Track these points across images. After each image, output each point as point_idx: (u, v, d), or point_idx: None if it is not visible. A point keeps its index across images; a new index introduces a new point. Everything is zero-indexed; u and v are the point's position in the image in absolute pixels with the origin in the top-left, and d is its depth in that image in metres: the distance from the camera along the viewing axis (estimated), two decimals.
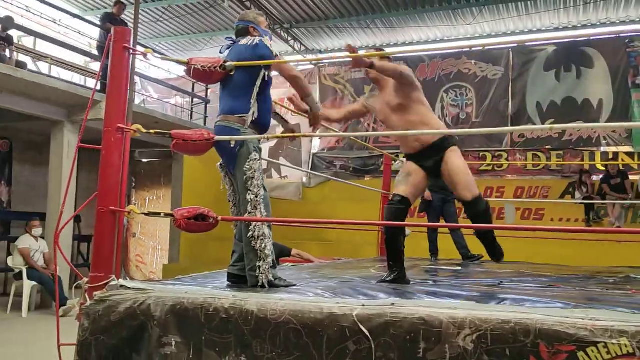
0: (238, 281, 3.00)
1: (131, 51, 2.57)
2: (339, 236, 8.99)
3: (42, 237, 7.65)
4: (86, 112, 2.73)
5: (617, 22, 10.73)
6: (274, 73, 3.11)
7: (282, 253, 6.62)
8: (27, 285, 7.15)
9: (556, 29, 11.21)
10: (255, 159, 2.91)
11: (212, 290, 2.55)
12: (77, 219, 9.57)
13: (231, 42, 3.13)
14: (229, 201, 3.16)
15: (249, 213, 2.86)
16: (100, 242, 2.61)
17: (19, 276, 7.28)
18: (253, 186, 2.88)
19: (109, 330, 2.42)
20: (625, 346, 1.56)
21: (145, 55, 2.80)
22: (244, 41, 3.02)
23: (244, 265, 2.95)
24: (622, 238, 6.21)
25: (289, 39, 12.10)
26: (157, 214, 2.97)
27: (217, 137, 2.88)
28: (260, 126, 3.01)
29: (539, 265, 5.46)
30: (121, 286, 2.56)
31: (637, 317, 1.73)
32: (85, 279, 2.58)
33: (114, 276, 2.60)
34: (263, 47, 2.94)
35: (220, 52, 3.22)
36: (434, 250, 6.43)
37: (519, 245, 6.76)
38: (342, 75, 11.91)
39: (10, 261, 7.55)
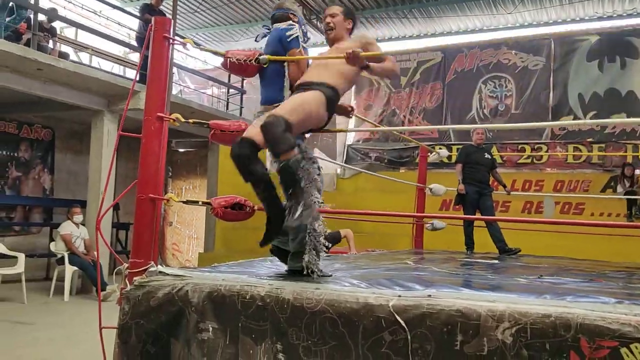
0: (279, 255, 2.99)
1: (171, 41, 2.60)
2: (374, 228, 8.96)
3: (83, 224, 7.88)
4: (127, 102, 2.79)
5: None
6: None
7: (334, 240, 6.64)
8: (69, 270, 7.38)
9: (600, 18, 10.84)
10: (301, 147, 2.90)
11: (249, 278, 2.58)
12: (115, 206, 9.81)
13: (267, 30, 3.13)
14: None
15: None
16: (140, 229, 2.67)
17: (61, 261, 7.52)
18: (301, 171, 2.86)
19: (148, 315, 2.47)
20: None
21: (184, 45, 2.83)
22: (283, 25, 3.01)
23: (286, 239, 2.94)
24: None
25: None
26: (195, 202, 3.03)
27: None
28: None
29: (579, 260, 5.32)
30: (160, 272, 2.62)
31: None
32: (126, 265, 2.65)
33: (152, 262, 2.66)
34: (294, 33, 2.92)
35: (256, 41, 3.23)
36: (469, 243, 6.34)
37: (558, 240, 6.63)
38: None
39: (52, 246, 7.80)
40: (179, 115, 2.68)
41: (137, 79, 6.48)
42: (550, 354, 1.66)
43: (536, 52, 10.32)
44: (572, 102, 9.90)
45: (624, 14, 10.58)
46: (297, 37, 2.92)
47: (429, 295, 2.05)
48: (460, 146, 7.89)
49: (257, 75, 3.06)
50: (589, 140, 9.59)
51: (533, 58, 10.35)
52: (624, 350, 1.57)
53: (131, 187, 2.72)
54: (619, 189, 8.59)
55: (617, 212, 8.57)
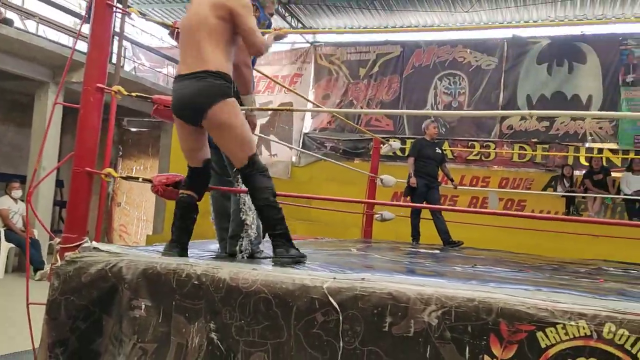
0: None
1: (114, 9, 2.51)
2: (325, 216, 9.03)
3: (22, 200, 7.58)
4: (65, 69, 2.68)
5: (613, 18, 10.72)
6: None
7: None
8: (5, 246, 7.11)
9: (552, 22, 11.19)
10: None
11: (187, 258, 2.55)
12: (59, 184, 9.49)
13: None
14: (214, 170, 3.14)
15: (239, 184, 2.85)
16: (74, 203, 2.59)
17: None
18: None
19: (79, 291, 2.41)
20: (583, 328, 1.58)
21: (128, 14, 2.74)
22: None
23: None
24: (598, 232, 6.31)
25: (287, 15, 11.96)
26: (135, 179, 2.96)
27: None
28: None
29: (516, 253, 5.53)
30: (94, 248, 2.55)
31: (597, 301, 1.75)
32: (57, 239, 2.57)
33: (87, 238, 2.59)
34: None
35: None
36: (415, 234, 6.48)
37: (500, 234, 6.86)
38: (338, 56, 11.83)
39: None
40: (120, 88, 2.61)
41: (84, 50, 6.31)
42: (472, 336, 1.71)
43: (490, 52, 10.58)
44: (521, 103, 10.21)
45: (575, 19, 10.96)
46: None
47: (363, 279, 2.08)
48: (414, 140, 8.02)
49: None
50: (534, 140, 9.95)
51: (486, 58, 10.61)
52: (539, 334, 1.63)
53: (67, 159, 2.63)
54: (559, 188, 8.96)
55: (557, 210, 8.94)
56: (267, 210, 2.55)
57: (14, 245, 7.18)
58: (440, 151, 6.80)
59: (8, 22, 7.21)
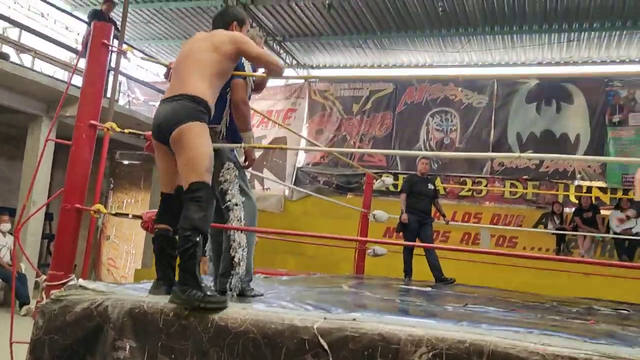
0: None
1: (110, 48, 2.55)
2: (317, 251, 8.97)
3: (11, 233, 7.49)
4: (59, 104, 2.70)
5: (598, 61, 11.00)
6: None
7: None
8: None
9: (539, 64, 11.46)
10: (230, 168, 2.89)
11: None
12: (49, 217, 9.40)
13: None
14: None
15: (230, 222, 2.84)
16: (62, 240, 2.57)
17: None
18: (229, 196, 2.86)
19: (64, 330, 2.37)
20: None
21: (124, 53, 2.78)
22: None
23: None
24: (589, 271, 6.32)
25: (281, 52, 12.16)
26: (125, 215, 2.94)
27: None
28: (235, 133, 2.98)
29: (509, 291, 5.50)
30: (80, 286, 2.51)
31: (587, 345, 1.74)
32: (44, 277, 2.53)
33: (73, 276, 2.55)
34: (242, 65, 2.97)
35: None
36: (408, 270, 6.44)
37: (492, 271, 6.83)
38: (332, 92, 11.99)
39: None
40: (113, 124, 2.62)
41: (79, 85, 6.35)
42: None
43: (480, 91, 10.77)
44: (511, 141, 10.35)
45: (562, 61, 11.24)
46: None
47: (354, 319, 2.06)
48: (406, 175, 8.07)
49: None
50: (524, 177, 10.05)
51: (477, 96, 10.78)
52: None
53: (57, 196, 2.61)
54: (550, 225, 8.99)
55: (547, 247, 8.96)
56: (180, 240, 2.39)
57: (0, 280, 7.06)
58: (432, 187, 6.83)
59: (4, 57, 7.27)
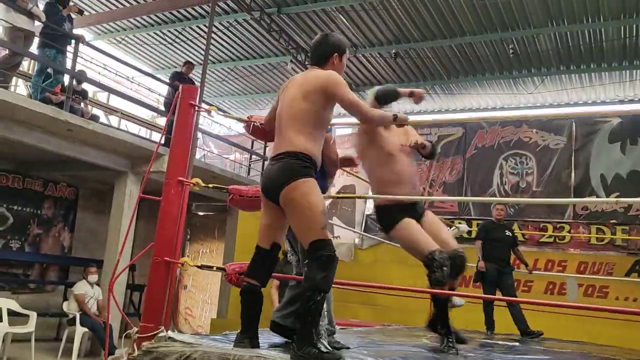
0: (280, 331, 2.92)
1: (196, 108, 2.68)
2: (391, 301, 8.75)
3: (98, 284, 7.83)
4: (150, 164, 2.84)
5: None
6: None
7: None
8: (79, 331, 7.27)
9: (621, 102, 10.95)
10: None
11: (260, 349, 2.50)
12: (132, 267, 9.78)
13: None
14: (288, 255, 3.18)
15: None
16: (153, 293, 2.64)
17: (72, 322, 7.42)
18: None
19: None
20: None
21: (209, 112, 2.91)
22: None
23: (286, 313, 2.91)
24: None
25: None
26: (210, 268, 3.01)
27: None
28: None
29: (604, 347, 5.08)
30: (169, 338, 2.56)
31: None
32: (135, 329, 2.60)
33: (163, 327, 2.61)
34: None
35: None
36: (489, 323, 6.12)
37: (583, 323, 6.38)
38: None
39: (65, 306, 7.74)
40: (199, 180, 2.71)
41: (162, 142, 6.71)
42: None
43: (557, 132, 10.39)
44: (595, 183, 9.83)
45: None
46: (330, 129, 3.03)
47: None
48: (480, 221, 7.80)
49: None
50: (612, 221, 9.43)
51: (554, 137, 10.40)
52: None
53: (148, 249, 2.72)
54: None
55: None
56: (302, 299, 2.36)
57: (87, 330, 7.35)
58: (510, 233, 6.56)
59: (94, 118, 7.84)
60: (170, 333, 2.58)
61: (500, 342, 4.70)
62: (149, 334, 2.55)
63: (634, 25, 8.53)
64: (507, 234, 6.49)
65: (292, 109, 2.58)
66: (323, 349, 2.32)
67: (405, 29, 9.50)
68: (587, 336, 5.95)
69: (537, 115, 11.34)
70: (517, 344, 4.74)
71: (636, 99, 10.78)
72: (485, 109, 12.30)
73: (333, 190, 11.70)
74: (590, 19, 8.52)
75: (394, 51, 10.05)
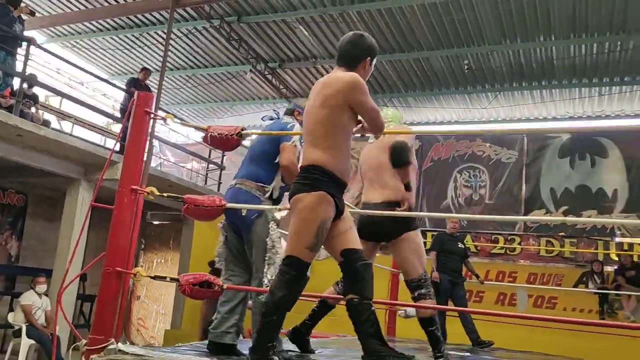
0: (220, 350, 2.90)
1: (152, 115, 2.64)
2: (345, 312, 8.76)
3: (46, 294, 7.56)
4: (102, 171, 2.78)
5: (632, 114, 10.91)
6: None
7: None
8: (25, 343, 6.99)
9: (571, 118, 11.41)
10: (275, 230, 2.95)
11: None
12: (83, 277, 9.49)
13: (276, 116, 3.39)
14: (222, 260, 3.15)
15: (265, 285, 2.84)
16: (104, 304, 2.57)
17: (18, 333, 7.13)
18: (275, 258, 2.90)
19: None
20: None
21: (165, 120, 2.88)
22: (285, 119, 3.24)
23: (223, 330, 2.88)
24: (638, 333, 5.99)
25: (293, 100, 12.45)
26: (163, 278, 2.95)
27: (229, 205, 2.91)
28: (274, 199, 3.08)
29: (552, 356, 5.25)
30: (119, 350, 2.50)
31: None
32: (84, 341, 2.53)
33: (113, 340, 2.54)
34: (291, 129, 3.08)
35: (262, 119, 3.45)
36: (441, 333, 6.21)
37: (532, 333, 6.56)
38: (357, 150, 12.07)
39: (11, 317, 7.43)
40: (153, 189, 2.67)
41: (117, 149, 6.55)
42: None
43: (509, 146, 10.72)
44: (545, 196, 10.18)
45: (594, 115, 11.18)
46: (289, 137, 3.05)
47: None
48: (435, 233, 7.95)
49: (250, 152, 3.19)
50: (561, 234, 9.78)
51: (507, 151, 10.73)
52: None
53: (99, 259, 2.65)
54: (590, 285, 8.65)
55: (590, 308, 8.58)
56: (260, 313, 2.41)
57: (34, 342, 7.07)
58: (462, 246, 6.71)
59: (46, 124, 7.59)
60: (120, 345, 2.52)
61: (452, 352, 4.78)
62: (99, 347, 2.48)
63: (583, 45, 8.92)
64: (459, 245, 6.64)
65: (308, 118, 2.50)
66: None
67: None
68: (537, 346, 6.12)
69: (490, 130, 11.69)
70: (468, 354, 4.83)
71: (585, 116, 11.26)
72: (441, 122, 12.59)
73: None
74: (542, 38, 8.87)
75: None
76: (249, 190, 3.00)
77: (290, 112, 3.37)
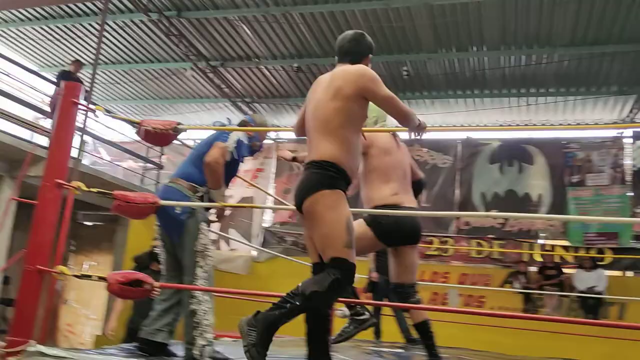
0: (151, 348, 2.84)
1: (79, 107, 2.54)
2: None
3: None
4: (24, 165, 2.65)
5: (556, 124, 11.55)
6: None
7: None
8: None
9: (501, 126, 11.95)
10: (206, 231, 2.90)
11: None
12: (5, 280, 8.98)
13: (228, 124, 3.40)
14: (162, 260, 3.09)
15: (196, 282, 2.80)
16: (23, 304, 2.45)
17: None
18: (205, 260, 2.85)
19: None
20: None
21: (93, 111, 2.78)
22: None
23: (156, 328, 2.82)
24: (556, 329, 6.36)
25: (249, 112, 12.34)
26: (89, 277, 2.84)
27: (163, 202, 2.84)
28: (209, 200, 3.04)
29: (479, 352, 5.46)
30: (40, 353, 2.39)
31: None
32: (2, 343, 2.39)
33: (32, 341, 2.42)
34: (237, 139, 3.06)
35: (214, 124, 3.44)
36: (377, 332, 6.34)
37: (462, 331, 6.79)
38: (299, 151, 12.11)
39: None
40: (80, 184, 2.57)
41: (46, 144, 6.26)
42: None
43: (445, 152, 11.09)
44: (476, 200, 10.62)
45: (521, 124, 11.74)
46: (226, 139, 3.03)
47: None
48: None
49: (189, 153, 3.19)
50: (490, 236, 10.22)
51: (442, 157, 11.09)
52: None
53: (18, 257, 2.52)
54: (516, 284, 9.09)
55: (515, 306, 9.00)
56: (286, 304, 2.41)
57: None
58: None
59: None
60: (40, 347, 2.41)
61: (386, 350, 4.89)
62: (17, 349, 2.36)
63: (512, 56, 9.35)
64: None
65: (318, 112, 2.44)
66: None
67: (307, 44, 9.66)
68: (466, 343, 6.33)
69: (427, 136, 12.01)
70: (401, 350, 4.95)
71: (514, 124, 11.82)
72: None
73: (232, 202, 11.55)
74: (474, 48, 9.22)
75: (296, 65, 10.19)
76: (180, 189, 2.94)
77: (243, 124, 3.28)
